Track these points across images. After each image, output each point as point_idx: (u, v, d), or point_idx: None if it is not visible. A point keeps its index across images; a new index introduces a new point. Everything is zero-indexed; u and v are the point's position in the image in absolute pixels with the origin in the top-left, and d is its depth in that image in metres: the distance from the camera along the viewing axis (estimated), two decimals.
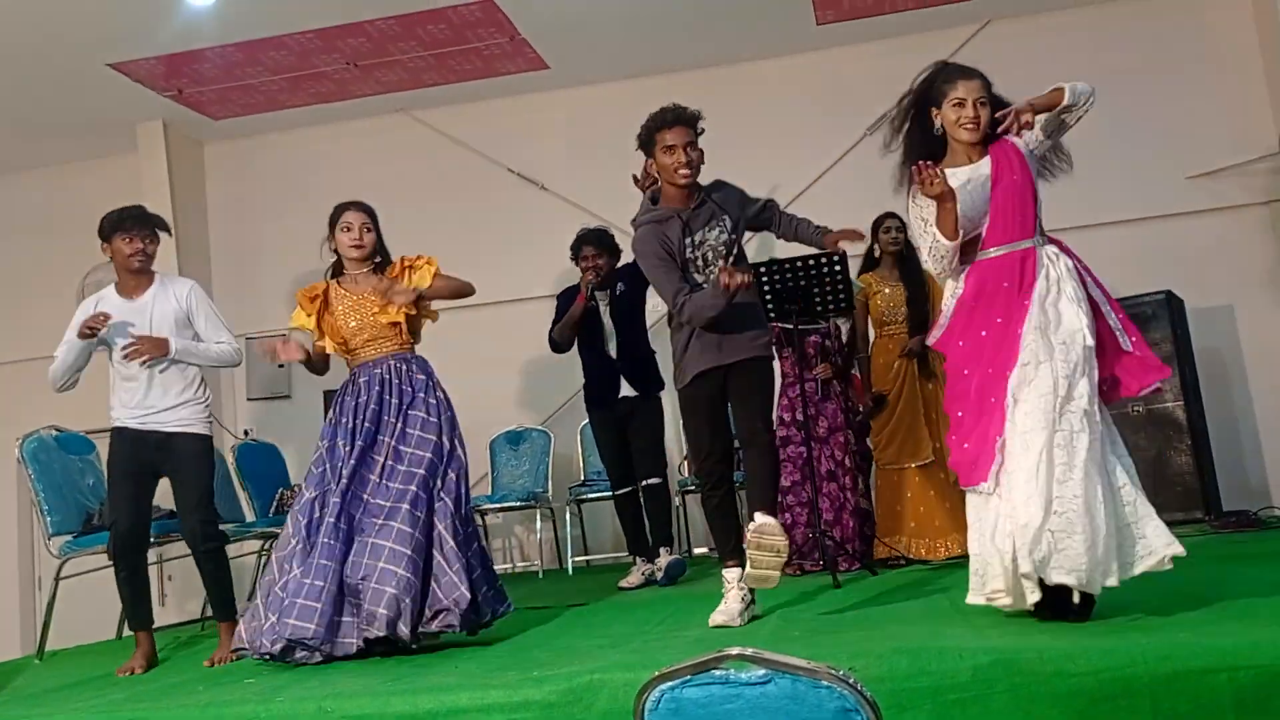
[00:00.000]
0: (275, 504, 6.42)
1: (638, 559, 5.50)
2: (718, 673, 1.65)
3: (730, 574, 3.82)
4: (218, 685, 3.63)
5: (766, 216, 4.26)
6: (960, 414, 3.38)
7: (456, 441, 4.14)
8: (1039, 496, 3.10)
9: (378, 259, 4.29)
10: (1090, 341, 3.24)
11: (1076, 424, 3.16)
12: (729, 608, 3.75)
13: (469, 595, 3.81)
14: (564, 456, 7.50)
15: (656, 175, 4.07)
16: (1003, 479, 3.22)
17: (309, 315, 4.24)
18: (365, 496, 3.96)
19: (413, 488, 3.92)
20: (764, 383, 3.99)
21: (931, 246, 3.44)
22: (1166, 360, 6.30)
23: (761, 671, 1.63)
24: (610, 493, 5.75)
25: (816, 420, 5.40)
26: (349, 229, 4.23)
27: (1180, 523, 5.33)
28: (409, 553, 3.79)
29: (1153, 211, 6.98)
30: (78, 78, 7.00)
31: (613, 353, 5.53)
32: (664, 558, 5.41)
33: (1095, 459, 3.15)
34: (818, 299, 5.16)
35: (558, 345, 5.61)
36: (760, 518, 3.65)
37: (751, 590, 3.81)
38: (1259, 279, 7.01)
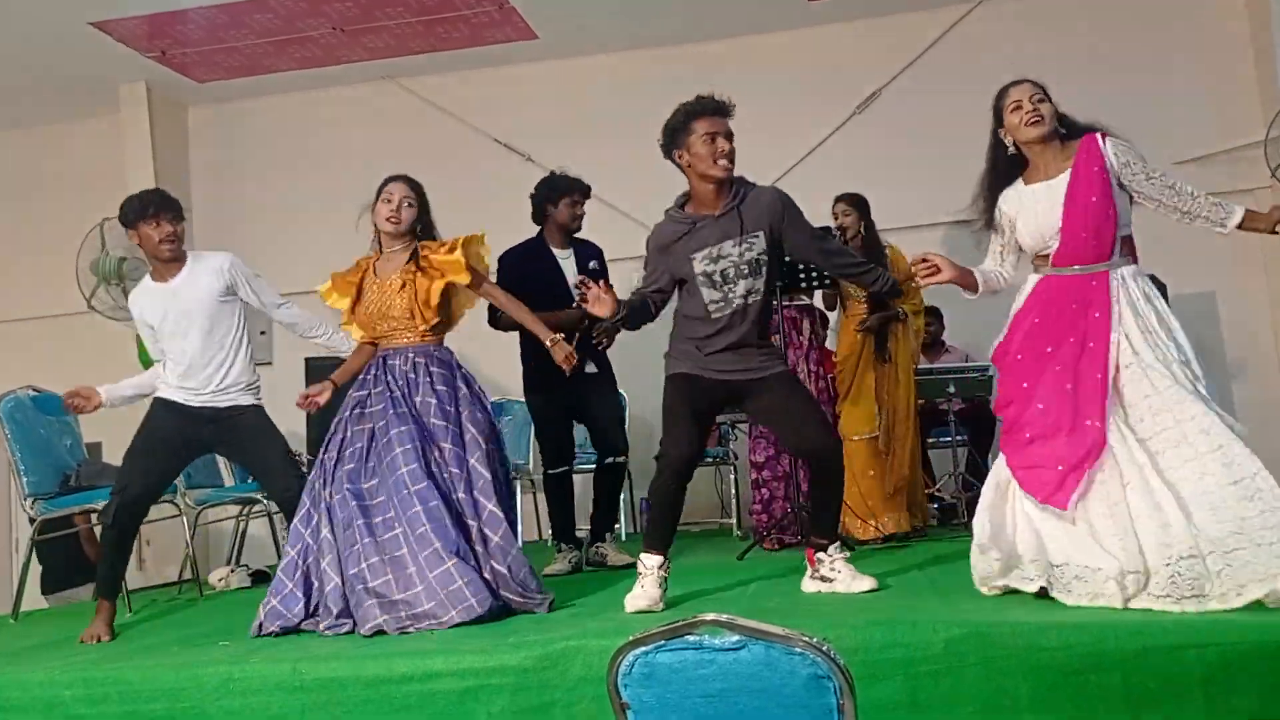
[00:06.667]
0: None
1: (564, 545, 5.13)
2: (691, 638, 1.66)
3: (650, 560, 3.67)
4: (193, 647, 3.63)
5: (808, 251, 3.95)
6: (1028, 435, 3.30)
7: (477, 433, 3.97)
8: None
9: (417, 237, 4.12)
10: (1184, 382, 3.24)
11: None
12: (649, 591, 3.63)
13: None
14: None
15: (688, 166, 3.74)
16: (1099, 507, 3.15)
17: (343, 297, 4.12)
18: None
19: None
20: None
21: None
22: None
23: (735, 638, 1.63)
24: (590, 467, 5.37)
25: None
26: (389, 200, 4.05)
27: None
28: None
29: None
30: (59, 36, 6.91)
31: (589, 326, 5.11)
32: (610, 548, 5.11)
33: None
34: (802, 275, 5.18)
35: (503, 327, 5.08)
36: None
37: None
38: (1241, 265, 7.03)
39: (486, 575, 3.69)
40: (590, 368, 5.11)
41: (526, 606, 3.72)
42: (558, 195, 5.15)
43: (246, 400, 4.41)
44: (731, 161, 3.69)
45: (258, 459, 4.37)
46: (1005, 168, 3.50)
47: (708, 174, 3.69)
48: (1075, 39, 7.18)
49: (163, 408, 4.34)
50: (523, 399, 7.38)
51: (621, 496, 6.77)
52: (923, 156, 7.07)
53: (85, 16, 6.73)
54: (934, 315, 6.72)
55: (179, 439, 4.32)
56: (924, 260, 3.47)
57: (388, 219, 4.05)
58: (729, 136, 3.70)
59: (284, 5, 6.81)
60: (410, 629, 3.53)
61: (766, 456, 5.40)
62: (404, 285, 4.00)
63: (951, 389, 5.83)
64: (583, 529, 5.38)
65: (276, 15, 6.93)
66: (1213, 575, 2.91)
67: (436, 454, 3.86)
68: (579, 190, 5.19)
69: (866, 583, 3.65)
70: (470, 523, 3.78)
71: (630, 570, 4.87)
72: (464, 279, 4.05)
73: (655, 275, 3.86)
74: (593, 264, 5.18)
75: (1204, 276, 6.99)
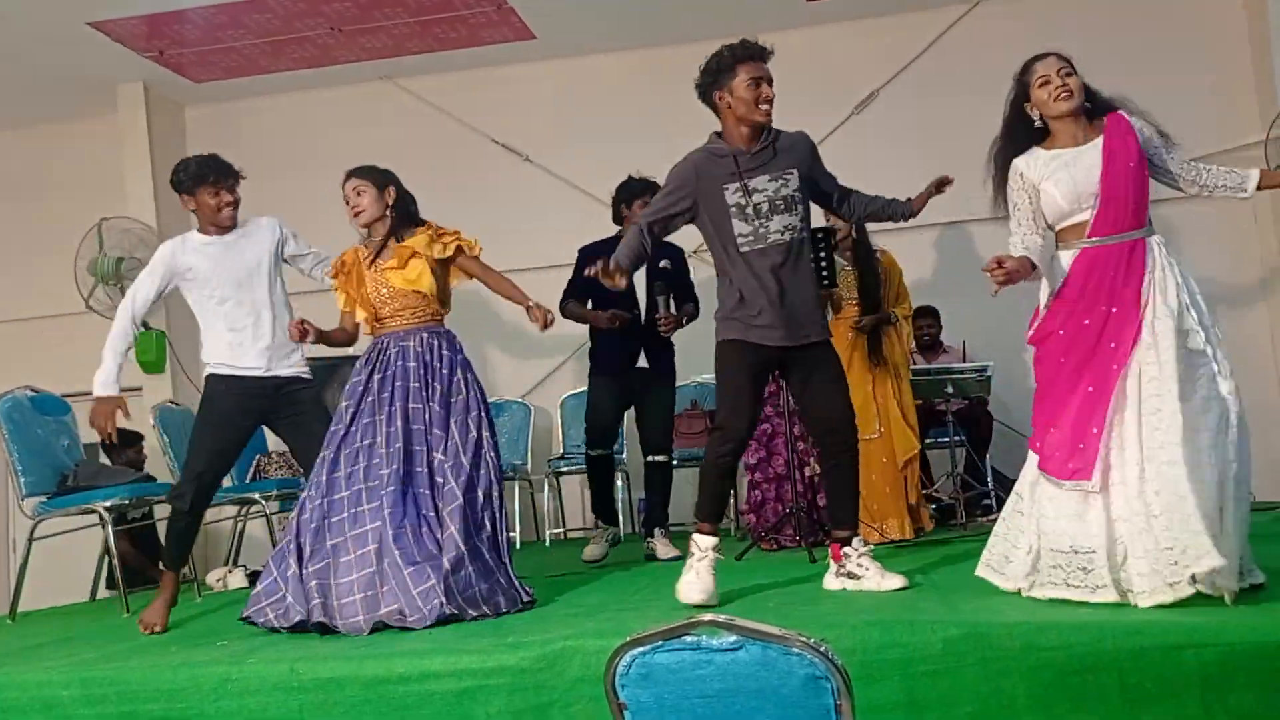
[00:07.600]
0: (252, 470, 6.39)
1: (600, 523, 5.32)
2: (689, 639, 1.65)
3: (705, 540, 3.57)
4: (191, 646, 3.63)
5: (828, 192, 3.99)
6: (1052, 402, 3.28)
7: (486, 431, 4.03)
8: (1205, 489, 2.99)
9: (401, 219, 4.18)
10: (1198, 345, 3.27)
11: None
12: (704, 580, 3.53)
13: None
14: (543, 429, 7.50)
15: (727, 107, 3.75)
16: (1116, 476, 3.11)
17: (341, 291, 4.22)
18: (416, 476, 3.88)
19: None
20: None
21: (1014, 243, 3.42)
22: None
23: (733, 638, 1.63)
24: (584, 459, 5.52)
25: (779, 396, 5.39)
26: (346, 201, 4.20)
27: None
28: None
29: None
30: (57, 36, 6.89)
31: (640, 322, 5.28)
32: (659, 543, 5.17)
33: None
34: None
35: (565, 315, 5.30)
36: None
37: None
38: (1241, 267, 7.03)
39: (458, 577, 3.70)
40: (643, 361, 5.28)
41: (501, 608, 3.74)
42: (632, 198, 5.34)
43: (306, 372, 4.41)
44: (771, 107, 3.70)
45: (311, 437, 4.24)
46: (1023, 138, 3.46)
47: (748, 118, 3.71)
48: (1074, 40, 7.06)
49: (221, 384, 4.30)
50: (519, 400, 7.51)
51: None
52: (921, 157, 7.02)
53: (83, 16, 6.71)
54: (932, 315, 6.72)
55: (240, 412, 4.29)
56: (998, 264, 3.27)
57: (353, 216, 4.18)
58: (770, 82, 3.73)
59: (281, 5, 6.80)
60: (381, 629, 3.58)
61: (759, 459, 5.40)
62: (404, 265, 4.09)
63: (949, 389, 5.82)
64: (579, 530, 5.38)
65: (274, 15, 6.92)
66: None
67: (426, 449, 3.90)
68: (651, 193, 5.26)
69: (896, 580, 3.58)
70: (450, 524, 3.80)
71: (667, 565, 4.88)
72: (445, 254, 4.14)
73: (674, 201, 3.77)
74: (663, 263, 5.30)
75: (1203, 279, 6.95)
